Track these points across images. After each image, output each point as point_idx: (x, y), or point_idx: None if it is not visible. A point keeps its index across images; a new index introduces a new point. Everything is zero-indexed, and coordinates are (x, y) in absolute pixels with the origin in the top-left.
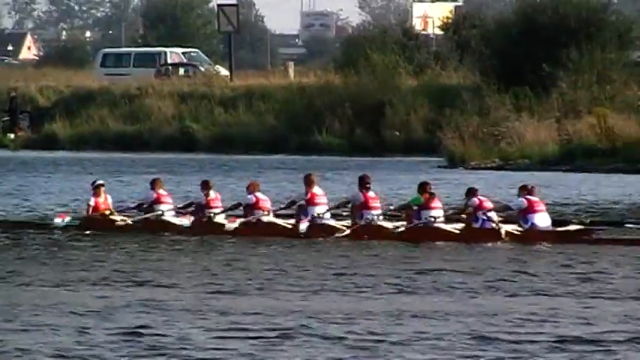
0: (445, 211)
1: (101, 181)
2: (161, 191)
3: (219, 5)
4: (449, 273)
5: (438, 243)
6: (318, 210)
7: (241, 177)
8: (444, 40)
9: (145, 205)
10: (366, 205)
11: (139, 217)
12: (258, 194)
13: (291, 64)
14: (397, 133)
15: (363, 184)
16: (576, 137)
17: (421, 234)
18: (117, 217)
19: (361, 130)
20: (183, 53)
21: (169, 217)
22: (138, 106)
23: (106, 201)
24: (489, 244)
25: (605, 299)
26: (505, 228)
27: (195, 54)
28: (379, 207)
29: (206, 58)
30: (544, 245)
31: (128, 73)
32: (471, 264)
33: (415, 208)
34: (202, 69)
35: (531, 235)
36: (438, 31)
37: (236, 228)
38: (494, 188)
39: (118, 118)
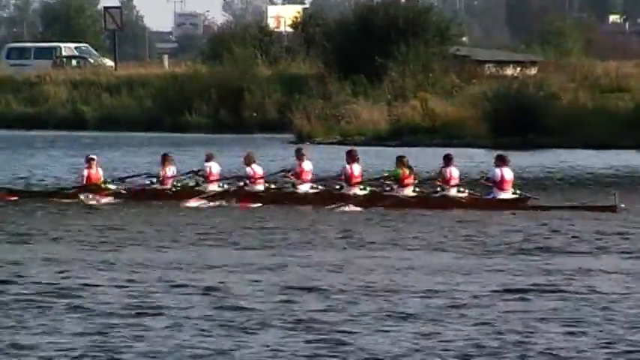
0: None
1: (93, 155)
2: (169, 168)
3: (105, 7)
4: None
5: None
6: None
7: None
8: (293, 37)
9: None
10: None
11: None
12: (254, 166)
13: (165, 56)
14: (254, 114)
15: (352, 157)
16: (404, 117)
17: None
18: (110, 187)
19: (224, 111)
20: (75, 47)
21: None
22: (37, 92)
23: (97, 173)
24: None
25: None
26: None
27: (85, 48)
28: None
29: (95, 51)
30: (491, 211)
31: (30, 64)
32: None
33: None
34: (91, 61)
35: (485, 203)
36: (289, 29)
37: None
38: (336, 160)
39: (21, 101)
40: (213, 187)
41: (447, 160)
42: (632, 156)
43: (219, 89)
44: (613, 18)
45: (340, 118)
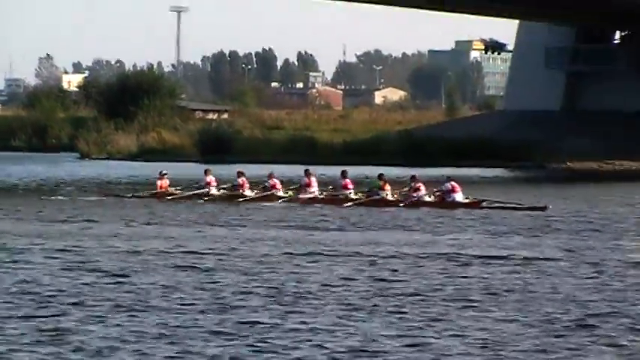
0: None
1: (165, 171)
2: (211, 177)
3: None
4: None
5: (387, 209)
6: (313, 190)
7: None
8: (79, 94)
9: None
10: (345, 188)
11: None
12: (275, 180)
13: None
14: (54, 141)
15: (344, 174)
16: (146, 144)
17: (378, 203)
18: (175, 192)
19: (36, 139)
20: None
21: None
22: None
23: (166, 182)
24: (419, 208)
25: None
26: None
27: None
28: (352, 188)
29: None
30: (457, 211)
31: None
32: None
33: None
34: None
35: (448, 205)
36: (76, 89)
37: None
38: (109, 169)
39: None
40: (250, 193)
41: (414, 178)
42: (287, 168)
43: (33, 125)
44: (274, 84)
45: (107, 143)
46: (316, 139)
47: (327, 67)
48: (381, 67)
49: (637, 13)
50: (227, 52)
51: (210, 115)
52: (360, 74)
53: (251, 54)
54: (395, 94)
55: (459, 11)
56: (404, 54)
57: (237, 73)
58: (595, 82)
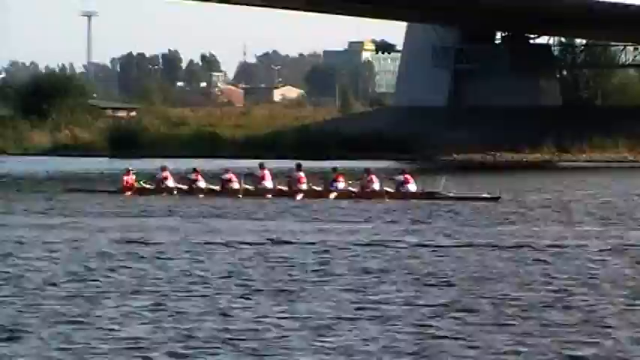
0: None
1: (131, 167)
2: (166, 173)
3: None
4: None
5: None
6: (266, 184)
7: None
8: None
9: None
10: (299, 181)
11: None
12: (231, 174)
13: None
14: None
15: (299, 167)
16: (60, 140)
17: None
18: (143, 185)
19: None
20: None
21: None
22: None
23: (131, 177)
24: (372, 200)
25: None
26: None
27: None
28: (305, 182)
29: None
30: (410, 201)
31: None
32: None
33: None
34: None
35: (403, 195)
36: None
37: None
38: (42, 165)
39: None
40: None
41: (368, 170)
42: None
43: None
44: (179, 83)
45: (23, 140)
46: (219, 135)
47: (229, 67)
48: (279, 67)
49: (515, 14)
50: (135, 54)
51: (120, 113)
52: (260, 73)
53: (157, 55)
54: (292, 92)
55: (273, 6)
56: (300, 54)
57: (145, 74)
58: (478, 79)
